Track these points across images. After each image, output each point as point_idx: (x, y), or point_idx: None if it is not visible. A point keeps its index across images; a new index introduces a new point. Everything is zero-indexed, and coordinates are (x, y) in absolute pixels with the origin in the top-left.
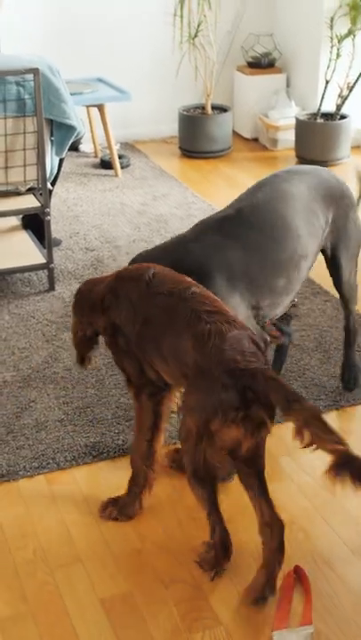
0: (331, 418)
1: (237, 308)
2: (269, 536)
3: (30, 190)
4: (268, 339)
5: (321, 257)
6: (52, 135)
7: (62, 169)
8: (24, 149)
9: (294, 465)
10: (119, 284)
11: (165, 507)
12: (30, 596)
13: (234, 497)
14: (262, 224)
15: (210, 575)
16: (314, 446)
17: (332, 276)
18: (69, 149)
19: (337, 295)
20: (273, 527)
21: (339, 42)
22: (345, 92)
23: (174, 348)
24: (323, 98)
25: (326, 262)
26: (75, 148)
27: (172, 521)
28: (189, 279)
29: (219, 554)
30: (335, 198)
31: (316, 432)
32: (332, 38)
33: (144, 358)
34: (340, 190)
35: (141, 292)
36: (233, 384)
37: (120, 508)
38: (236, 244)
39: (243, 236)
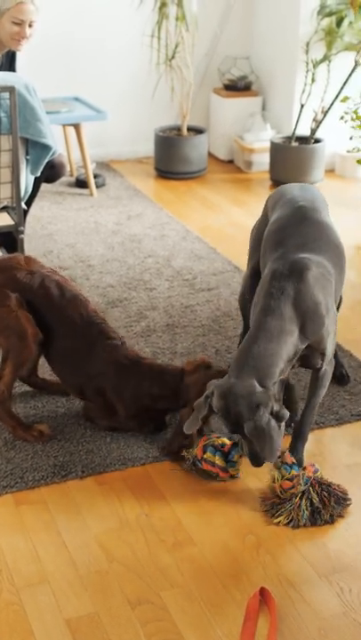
0: None
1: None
2: None
3: (4, 208)
4: None
5: None
6: (27, 154)
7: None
8: None
9: (261, 486)
10: None
11: (133, 528)
12: None
13: (201, 519)
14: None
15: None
16: None
17: None
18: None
19: None
20: None
21: (314, 67)
22: (319, 117)
23: None
24: (298, 121)
25: None
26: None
27: (139, 542)
28: None
29: None
30: None
31: None
32: (307, 63)
33: None
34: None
35: None
36: None
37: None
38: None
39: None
